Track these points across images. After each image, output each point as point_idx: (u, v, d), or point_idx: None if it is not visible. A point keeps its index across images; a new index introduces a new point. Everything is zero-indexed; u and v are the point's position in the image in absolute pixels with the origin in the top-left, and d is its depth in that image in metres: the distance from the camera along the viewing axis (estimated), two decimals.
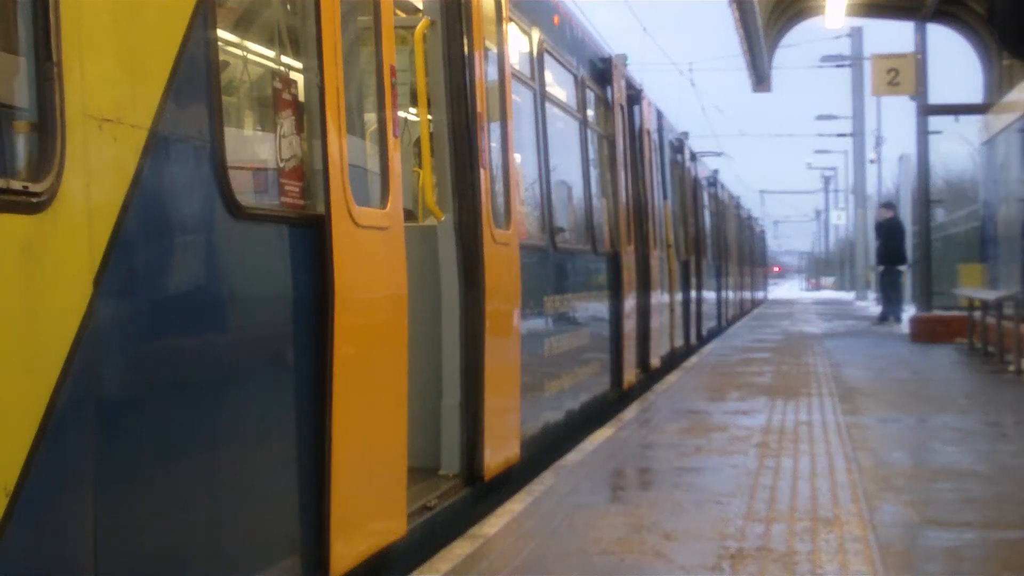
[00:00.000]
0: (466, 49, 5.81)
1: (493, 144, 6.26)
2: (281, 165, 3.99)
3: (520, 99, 7.61)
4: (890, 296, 23.07)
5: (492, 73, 6.30)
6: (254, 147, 4.41)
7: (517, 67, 7.14)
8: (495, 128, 6.33)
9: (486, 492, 5.91)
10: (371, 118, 5.08)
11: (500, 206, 6.34)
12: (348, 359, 4.04)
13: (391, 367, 4.54)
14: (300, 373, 3.91)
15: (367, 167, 4.82)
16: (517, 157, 7.38)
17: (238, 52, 4.35)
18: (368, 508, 4.26)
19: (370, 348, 4.33)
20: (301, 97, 4.26)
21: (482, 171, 5.86)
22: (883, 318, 22.70)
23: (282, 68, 4.47)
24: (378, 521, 4.34)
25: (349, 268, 4.08)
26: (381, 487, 4.39)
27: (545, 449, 7.19)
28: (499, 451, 5.99)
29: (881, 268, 23.02)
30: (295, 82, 4.33)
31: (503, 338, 6.11)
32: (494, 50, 6.34)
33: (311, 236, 4.02)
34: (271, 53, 4.56)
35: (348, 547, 4.00)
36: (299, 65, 4.54)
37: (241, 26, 4.46)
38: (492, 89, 6.27)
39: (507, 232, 6.29)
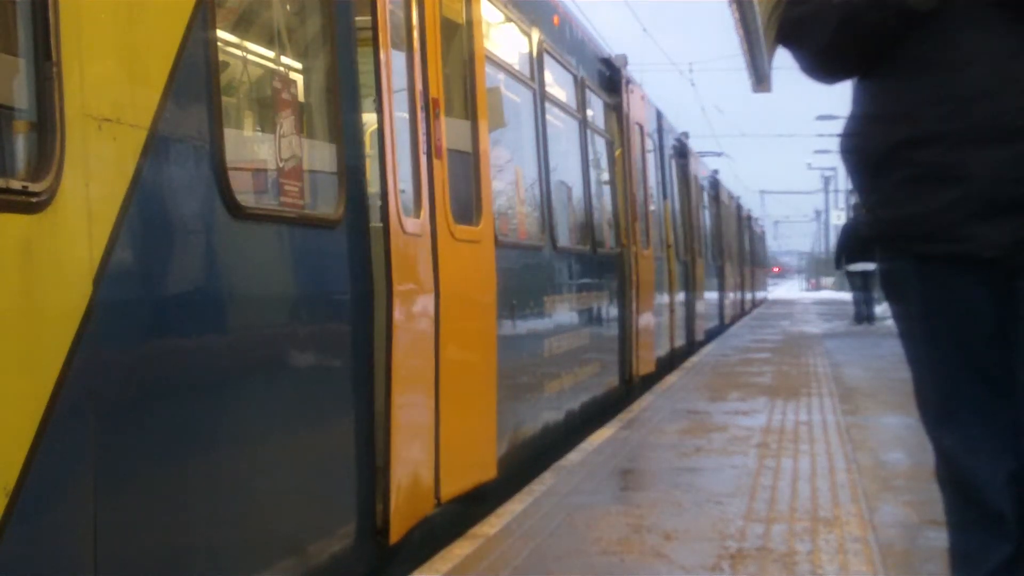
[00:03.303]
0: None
1: (455, 134, 5.66)
2: (281, 165, 3.99)
3: (519, 99, 7.61)
4: (857, 297, 23.24)
5: (455, 56, 5.77)
6: (254, 147, 4.41)
7: (502, 57, 6.88)
8: (458, 116, 5.80)
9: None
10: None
11: (464, 200, 5.79)
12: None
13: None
14: (298, 372, 3.92)
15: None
16: (507, 153, 7.30)
17: (238, 52, 4.35)
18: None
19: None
20: (301, 97, 4.27)
21: (436, 162, 5.28)
22: (858, 319, 22.83)
23: (282, 68, 4.47)
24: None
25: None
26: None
27: (525, 470, 6.56)
28: (460, 475, 5.40)
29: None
30: (295, 82, 4.34)
31: (466, 346, 5.54)
32: (459, 30, 5.86)
33: (312, 236, 4.03)
34: (271, 53, 4.55)
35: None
36: (299, 65, 4.54)
37: (241, 26, 4.45)
38: (453, 74, 5.75)
39: (475, 228, 5.79)
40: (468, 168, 5.88)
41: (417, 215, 5.01)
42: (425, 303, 5.00)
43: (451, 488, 5.22)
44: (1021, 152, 2.22)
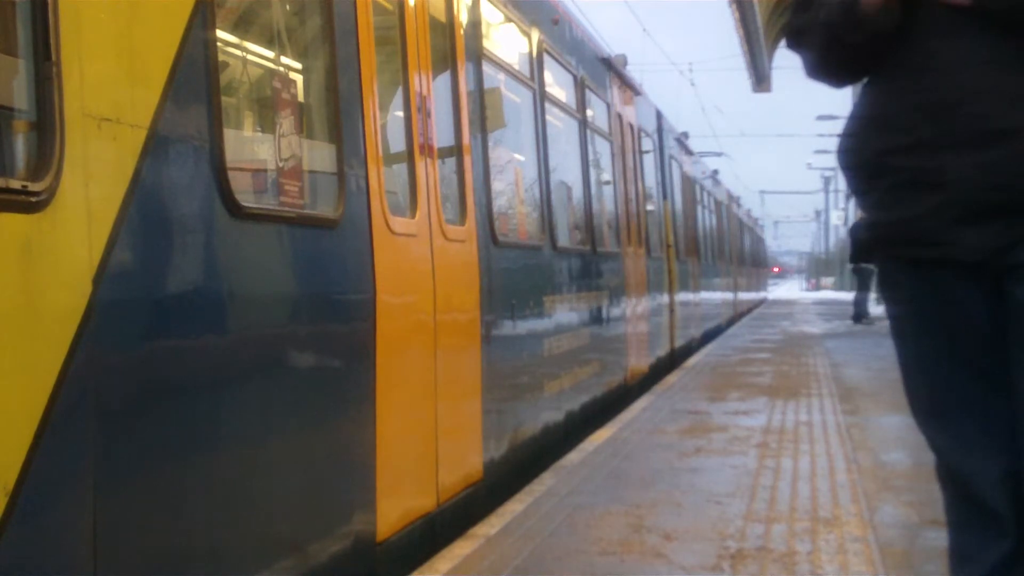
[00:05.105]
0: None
1: (440, 131, 5.54)
2: (281, 165, 3.99)
3: (518, 99, 7.61)
4: (857, 297, 23.29)
5: (439, 50, 5.64)
6: (254, 147, 4.41)
7: (501, 57, 6.83)
8: (442, 114, 5.68)
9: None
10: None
11: (450, 200, 5.74)
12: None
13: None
14: (298, 372, 3.92)
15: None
16: (506, 153, 7.26)
17: (238, 52, 4.35)
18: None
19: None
20: (300, 97, 4.26)
21: (428, 161, 5.24)
22: (855, 319, 22.85)
23: (282, 68, 4.48)
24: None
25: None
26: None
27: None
28: (443, 477, 5.31)
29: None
30: (294, 82, 4.33)
31: (453, 347, 5.45)
32: (441, 24, 5.76)
33: (311, 236, 4.03)
34: (271, 53, 4.56)
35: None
36: (298, 65, 4.55)
37: (241, 26, 4.46)
38: (437, 68, 5.62)
39: (461, 228, 5.73)
40: (452, 167, 5.83)
41: (412, 215, 5.04)
42: (418, 303, 5.01)
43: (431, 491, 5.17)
44: (998, 158, 2.24)
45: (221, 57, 3.68)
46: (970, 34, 2.30)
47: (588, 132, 9.51)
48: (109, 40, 2.91)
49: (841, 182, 63.75)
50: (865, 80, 2.56)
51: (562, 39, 8.67)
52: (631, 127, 11.83)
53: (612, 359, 10.01)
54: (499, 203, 6.72)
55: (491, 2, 6.57)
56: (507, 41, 7.16)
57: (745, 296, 31.03)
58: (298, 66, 4.54)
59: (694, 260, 17.18)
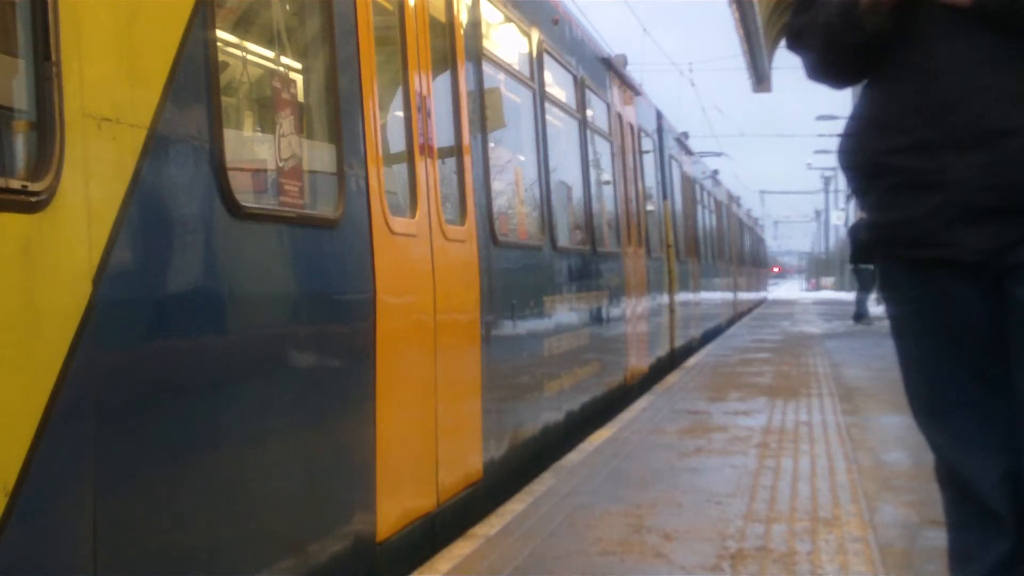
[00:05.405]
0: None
1: (440, 131, 5.53)
2: (281, 165, 3.99)
3: (518, 99, 7.61)
4: (858, 297, 23.32)
5: (438, 48, 5.62)
6: (254, 147, 4.41)
7: (501, 57, 6.83)
8: (442, 112, 5.66)
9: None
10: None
11: (450, 200, 5.74)
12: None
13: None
14: (298, 372, 3.92)
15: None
16: (506, 153, 7.26)
17: (238, 52, 4.35)
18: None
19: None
20: (300, 97, 4.26)
21: (428, 161, 5.24)
22: (856, 318, 22.88)
23: (282, 68, 4.47)
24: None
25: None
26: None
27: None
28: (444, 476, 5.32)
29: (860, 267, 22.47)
30: (294, 82, 4.33)
31: (453, 347, 5.44)
32: (441, 22, 5.75)
33: (311, 236, 4.03)
34: (271, 53, 4.56)
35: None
36: (298, 65, 4.54)
37: (241, 26, 4.45)
38: (437, 67, 5.60)
39: (461, 228, 5.73)
40: (451, 166, 5.82)
41: (412, 215, 5.03)
42: (418, 303, 5.00)
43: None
44: (997, 158, 2.24)
45: (221, 57, 3.68)
46: (969, 34, 2.30)
47: (588, 132, 9.51)
48: (109, 40, 2.91)
49: (841, 182, 63.76)
50: (865, 81, 2.57)
51: (562, 39, 8.67)
52: (631, 127, 11.83)
53: (612, 359, 10.01)
54: (499, 203, 6.72)
55: (491, 2, 6.57)
56: (507, 41, 7.16)
57: (745, 296, 31.01)
58: (298, 66, 4.55)
59: (694, 260, 17.18)
